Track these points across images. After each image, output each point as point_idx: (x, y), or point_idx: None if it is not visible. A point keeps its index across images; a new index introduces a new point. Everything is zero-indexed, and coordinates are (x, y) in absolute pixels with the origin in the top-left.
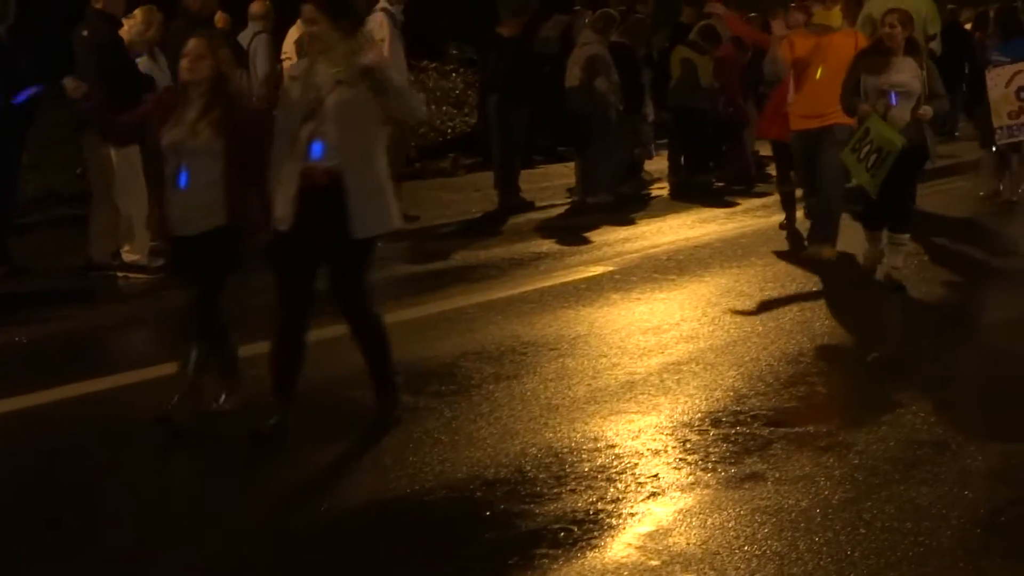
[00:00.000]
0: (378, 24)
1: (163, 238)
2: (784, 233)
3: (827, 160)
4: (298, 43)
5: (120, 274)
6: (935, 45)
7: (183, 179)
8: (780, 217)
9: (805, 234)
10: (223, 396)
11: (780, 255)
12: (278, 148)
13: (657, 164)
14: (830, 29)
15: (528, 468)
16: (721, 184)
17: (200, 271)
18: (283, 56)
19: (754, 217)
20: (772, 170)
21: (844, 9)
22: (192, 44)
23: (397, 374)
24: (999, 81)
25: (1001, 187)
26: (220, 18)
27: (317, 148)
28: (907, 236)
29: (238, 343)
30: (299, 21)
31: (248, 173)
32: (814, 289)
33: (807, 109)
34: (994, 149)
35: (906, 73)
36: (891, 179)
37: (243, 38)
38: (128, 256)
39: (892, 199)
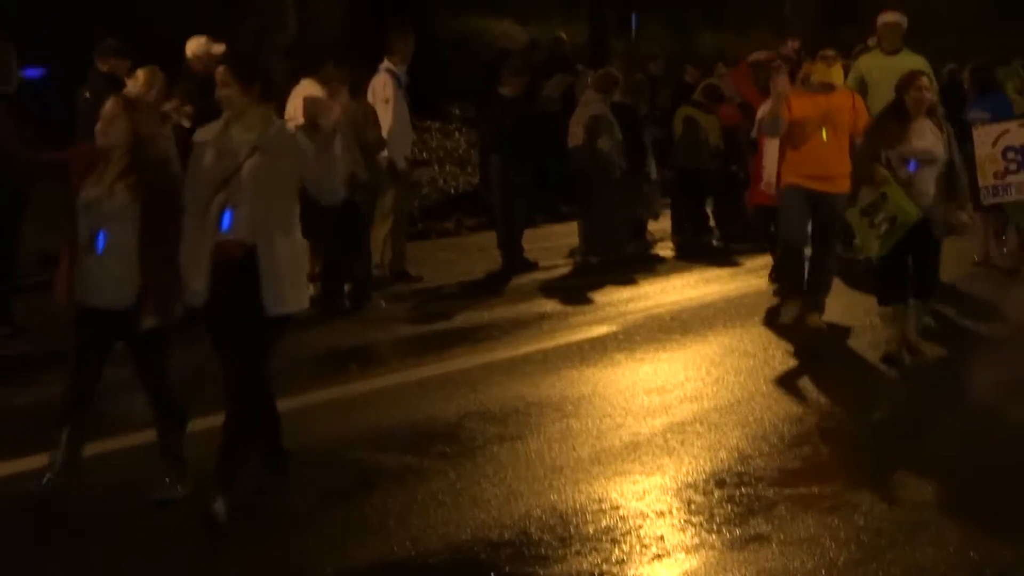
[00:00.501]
0: (382, 84)
1: (66, 304)
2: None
3: (830, 228)
4: (306, 102)
5: None
6: None
7: (99, 243)
8: None
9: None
10: (173, 483)
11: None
12: (189, 219)
13: (661, 224)
14: (832, 88)
15: (533, 530)
16: (724, 243)
17: (131, 350)
18: (287, 117)
19: (757, 277)
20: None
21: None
22: (107, 106)
23: (228, 486)
24: (985, 140)
25: (990, 251)
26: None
27: (229, 219)
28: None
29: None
30: (303, 81)
31: (166, 245)
32: (818, 349)
33: (812, 170)
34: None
35: (928, 139)
36: (920, 247)
37: None
38: None
39: (923, 268)
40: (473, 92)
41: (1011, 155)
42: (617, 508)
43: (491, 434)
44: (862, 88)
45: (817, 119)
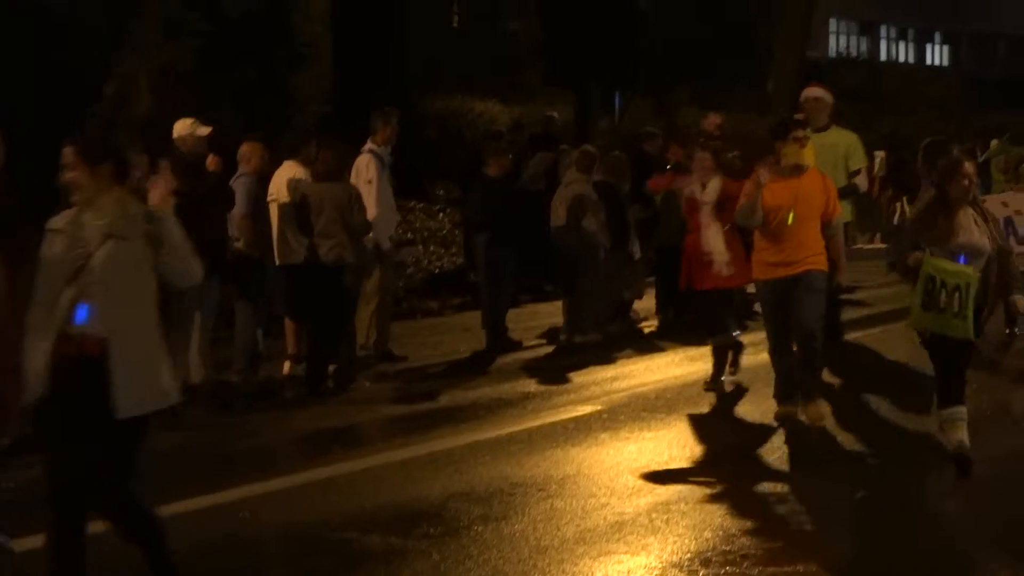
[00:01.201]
0: (365, 165)
1: None
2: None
3: (805, 311)
4: (289, 185)
5: None
6: (860, 180)
7: None
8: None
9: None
10: None
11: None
12: (35, 311)
13: (645, 303)
14: (802, 169)
15: None
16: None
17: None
18: (270, 198)
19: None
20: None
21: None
22: None
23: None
24: None
25: None
26: (212, 160)
27: (82, 312)
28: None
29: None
30: (286, 162)
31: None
32: (801, 426)
33: (779, 257)
34: None
35: (974, 232)
36: (957, 349)
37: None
38: None
39: (955, 370)
40: (457, 172)
41: None
42: None
43: (476, 514)
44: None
45: (788, 204)
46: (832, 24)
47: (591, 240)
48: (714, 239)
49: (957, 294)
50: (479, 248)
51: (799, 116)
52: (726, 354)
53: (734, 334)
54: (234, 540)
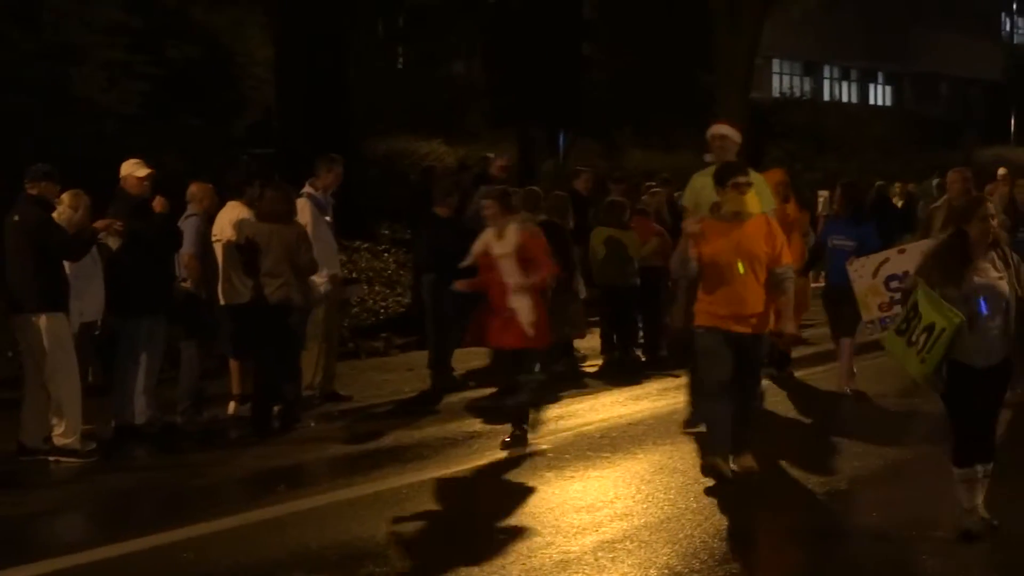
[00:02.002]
0: (301, 208)
1: None
2: None
3: (751, 375)
4: (235, 225)
5: (52, 458)
6: None
7: None
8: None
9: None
10: None
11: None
12: None
13: (589, 342)
14: (744, 216)
15: None
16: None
17: None
18: (214, 238)
19: (687, 393)
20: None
21: (773, 187)
22: None
23: None
24: (863, 272)
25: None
26: (158, 202)
27: None
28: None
29: None
30: (230, 202)
31: None
32: (775, 448)
33: (731, 310)
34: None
35: (991, 274)
36: (982, 403)
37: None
38: (60, 440)
39: (983, 426)
40: (401, 212)
41: (895, 284)
42: None
43: (421, 554)
44: (695, 204)
45: (730, 252)
46: (775, 64)
47: None
48: (519, 298)
49: (926, 335)
50: (426, 288)
51: (707, 156)
52: (526, 414)
53: (527, 395)
54: None
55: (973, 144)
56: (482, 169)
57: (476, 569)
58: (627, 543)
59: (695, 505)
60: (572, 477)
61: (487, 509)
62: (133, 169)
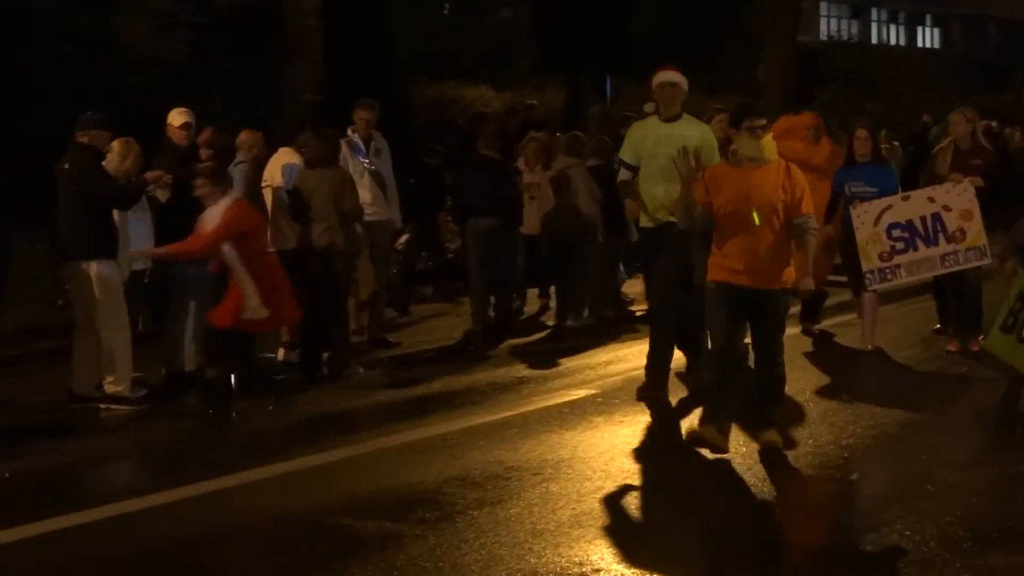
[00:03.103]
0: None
1: None
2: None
3: (770, 334)
4: (284, 170)
5: (103, 406)
6: None
7: None
8: None
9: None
10: None
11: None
12: None
13: (636, 286)
14: (761, 163)
15: None
16: None
17: None
18: (264, 183)
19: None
20: None
21: (803, 131)
22: None
23: None
24: (866, 218)
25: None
26: (205, 151)
27: None
28: None
29: None
30: (282, 149)
31: None
32: (798, 407)
33: (745, 263)
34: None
35: None
36: None
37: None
38: (110, 388)
39: None
40: (448, 158)
41: (896, 233)
42: (598, 571)
43: (471, 499)
44: (637, 162)
45: (744, 201)
46: (823, 7)
47: (588, 223)
48: (244, 277)
49: None
50: (476, 231)
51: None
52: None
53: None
54: (229, 528)
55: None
56: (527, 115)
57: (526, 513)
58: (676, 486)
59: (746, 447)
60: (621, 422)
61: (536, 455)
62: (184, 117)
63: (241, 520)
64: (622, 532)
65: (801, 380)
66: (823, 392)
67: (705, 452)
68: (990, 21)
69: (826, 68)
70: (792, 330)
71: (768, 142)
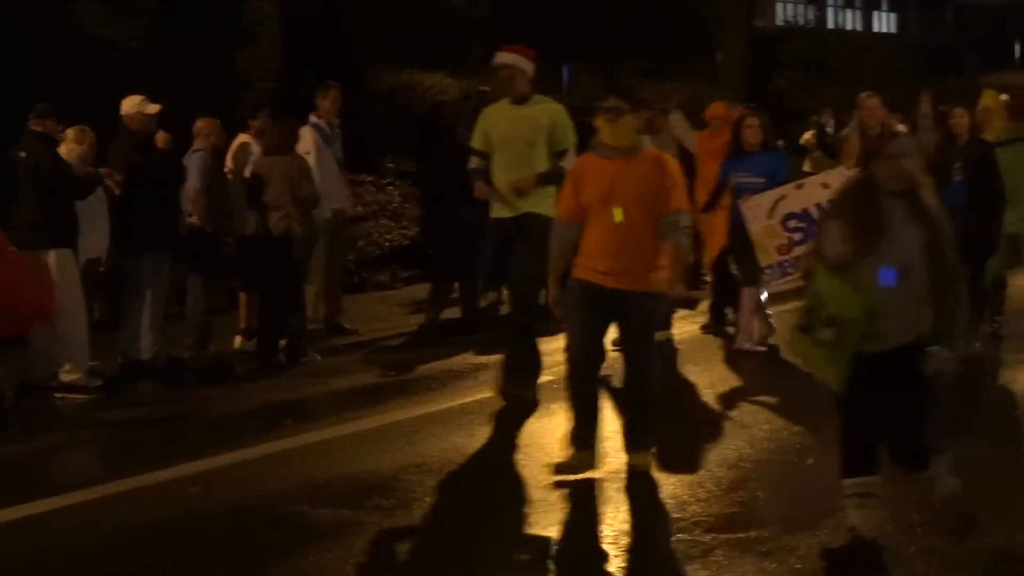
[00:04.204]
0: (304, 136)
1: None
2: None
3: (636, 340)
4: (234, 156)
5: (59, 395)
6: (567, 163)
7: None
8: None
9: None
10: None
11: (717, 361)
12: None
13: None
14: (630, 152)
15: None
16: None
17: None
18: (227, 170)
19: (691, 323)
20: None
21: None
22: None
23: None
24: (758, 212)
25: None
26: (161, 137)
27: None
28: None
29: None
30: (241, 135)
31: None
32: (752, 394)
33: (607, 263)
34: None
35: (903, 239)
36: (889, 396)
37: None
38: (66, 376)
39: (898, 428)
40: (406, 145)
41: (793, 223)
42: (556, 557)
43: (428, 486)
44: (488, 148)
45: (608, 195)
46: None
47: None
48: None
49: (829, 329)
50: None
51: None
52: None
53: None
54: (186, 515)
55: (977, 70)
56: (481, 101)
57: (484, 501)
58: (632, 473)
59: (701, 434)
60: None
61: (492, 441)
62: (139, 106)
63: (198, 508)
64: (579, 518)
65: (751, 365)
66: (774, 379)
67: (660, 438)
68: (946, 6)
69: (782, 53)
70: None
71: (624, 126)
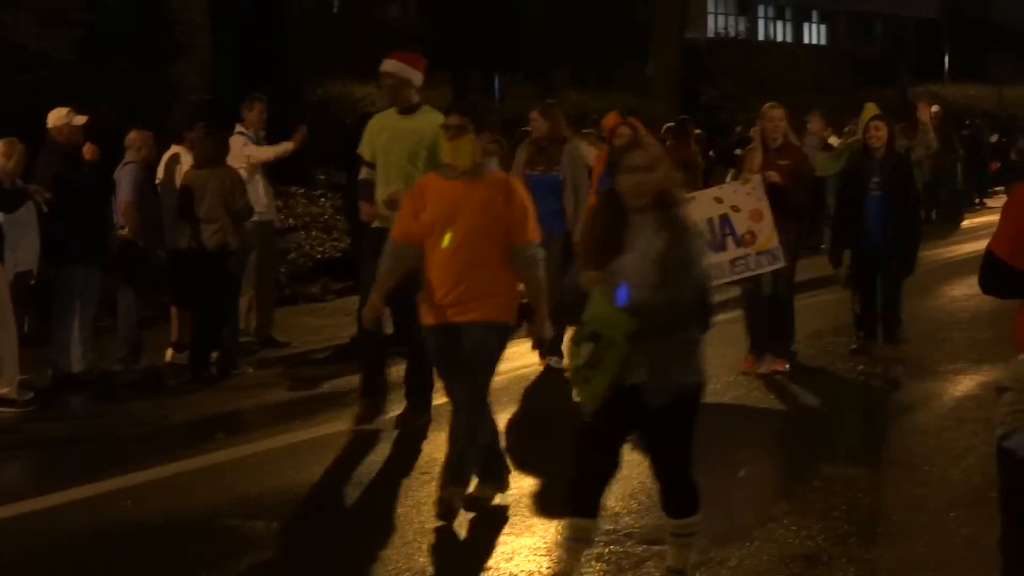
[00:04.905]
0: (233, 141)
1: None
2: None
3: (468, 376)
4: (166, 168)
5: None
6: None
7: None
8: None
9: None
10: None
11: None
12: None
13: None
14: (473, 173)
15: None
16: None
17: None
18: (158, 181)
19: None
20: None
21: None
22: None
23: None
24: None
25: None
26: (89, 149)
27: None
28: (694, 523)
29: None
30: (174, 147)
31: None
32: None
33: (442, 295)
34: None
35: (640, 247)
36: (656, 439)
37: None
38: None
39: (664, 466)
40: (337, 157)
41: None
42: (488, 570)
43: (360, 499)
44: (374, 158)
45: (443, 219)
46: (710, 4)
47: None
48: None
49: (591, 346)
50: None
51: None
52: None
53: None
54: (118, 529)
55: (907, 82)
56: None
57: (414, 512)
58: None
59: (631, 446)
60: (508, 420)
61: (425, 453)
62: (66, 118)
63: (130, 521)
64: (511, 530)
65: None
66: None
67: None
68: (876, 18)
69: (714, 64)
70: None
71: (464, 145)
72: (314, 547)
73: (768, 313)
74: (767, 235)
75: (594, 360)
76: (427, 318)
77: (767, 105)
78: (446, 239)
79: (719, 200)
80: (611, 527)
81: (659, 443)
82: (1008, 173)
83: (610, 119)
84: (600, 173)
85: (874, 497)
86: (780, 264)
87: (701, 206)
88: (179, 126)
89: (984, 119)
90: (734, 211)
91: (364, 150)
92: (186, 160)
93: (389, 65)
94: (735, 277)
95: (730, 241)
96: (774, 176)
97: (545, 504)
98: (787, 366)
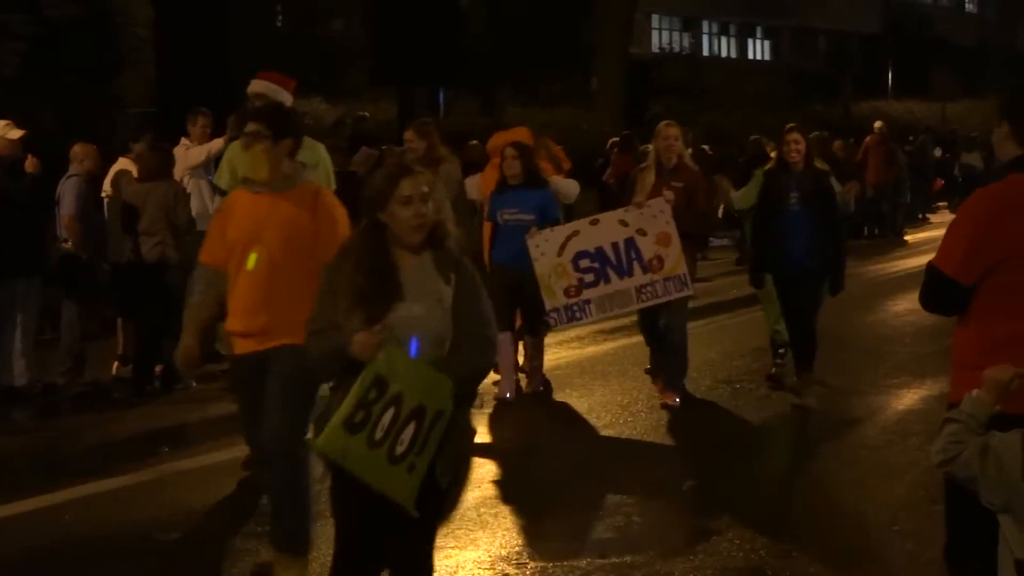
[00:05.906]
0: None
1: None
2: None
3: (271, 398)
4: (113, 180)
5: None
6: None
7: None
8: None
9: None
10: None
11: (593, 389)
12: None
13: None
14: (262, 185)
15: None
16: None
17: None
18: (103, 194)
19: (569, 349)
20: None
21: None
22: None
23: None
24: (547, 248)
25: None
26: (30, 162)
27: None
28: None
29: None
30: (120, 159)
31: None
32: (626, 419)
33: (238, 321)
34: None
35: (425, 294)
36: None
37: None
38: None
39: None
40: None
41: (585, 263)
42: None
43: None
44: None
45: (250, 237)
46: (655, 20)
47: None
48: None
49: (415, 424)
50: None
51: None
52: None
53: None
54: (59, 543)
55: (850, 97)
56: (358, 127)
57: None
58: (509, 499)
59: (587, 459)
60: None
61: None
62: (3, 131)
63: (72, 535)
64: (455, 544)
65: (632, 392)
66: (650, 408)
67: (536, 466)
68: (819, 33)
69: (658, 80)
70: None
71: (257, 155)
72: (256, 562)
73: (660, 344)
74: (675, 260)
75: (421, 441)
76: (231, 347)
77: (663, 123)
78: (251, 259)
79: (624, 223)
80: (556, 541)
81: (414, 541)
82: (966, 183)
83: (498, 139)
84: (487, 196)
85: (818, 511)
86: (689, 292)
87: (606, 229)
88: (127, 139)
89: (928, 134)
90: (640, 235)
91: (221, 179)
92: (129, 172)
93: (258, 86)
94: (641, 305)
95: (636, 266)
96: (669, 196)
97: (489, 518)
98: (677, 400)
